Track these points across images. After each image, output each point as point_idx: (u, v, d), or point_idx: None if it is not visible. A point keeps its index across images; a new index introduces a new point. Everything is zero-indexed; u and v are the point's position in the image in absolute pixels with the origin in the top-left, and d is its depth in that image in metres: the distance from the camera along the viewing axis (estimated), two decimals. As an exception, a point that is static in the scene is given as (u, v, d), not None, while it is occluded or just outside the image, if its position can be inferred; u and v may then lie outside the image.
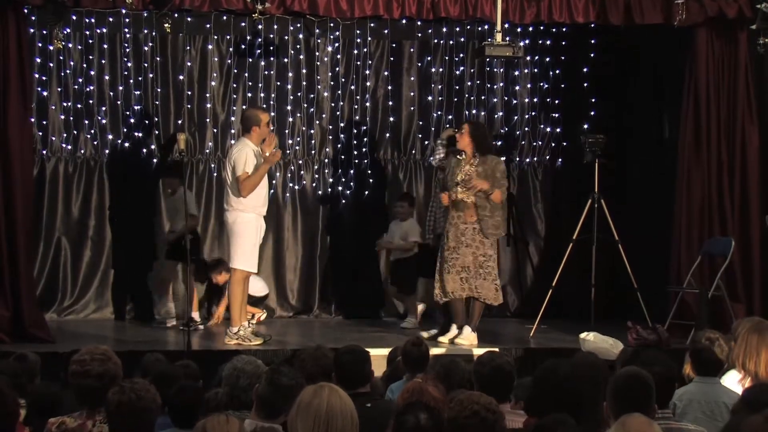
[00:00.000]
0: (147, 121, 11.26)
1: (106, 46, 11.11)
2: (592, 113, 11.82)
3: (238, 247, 9.17)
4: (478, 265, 9.27)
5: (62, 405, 5.25)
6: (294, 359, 5.81)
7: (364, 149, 11.60)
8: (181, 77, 11.29)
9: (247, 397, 4.79)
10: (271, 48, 11.35)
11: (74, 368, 4.71)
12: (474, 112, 11.74)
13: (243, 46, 11.32)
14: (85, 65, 11.07)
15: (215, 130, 11.40)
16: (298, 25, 11.32)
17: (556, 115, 11.96)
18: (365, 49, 11.52)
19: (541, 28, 11.37)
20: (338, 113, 11.53)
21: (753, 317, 6.38)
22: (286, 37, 11.37)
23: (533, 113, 11.93)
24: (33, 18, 10.36)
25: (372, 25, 11.27)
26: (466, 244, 9.27)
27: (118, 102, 11.17)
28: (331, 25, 11.27)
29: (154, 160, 11.29)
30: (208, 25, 11.17)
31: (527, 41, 11.58)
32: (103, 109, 11.15)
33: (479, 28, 11.33)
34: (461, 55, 11.73)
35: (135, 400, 4.25)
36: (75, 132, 11.12)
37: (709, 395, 5.53)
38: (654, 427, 3.74)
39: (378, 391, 6.07)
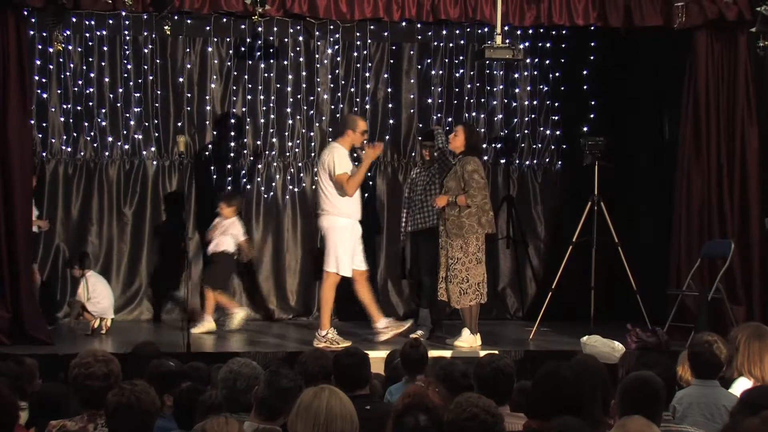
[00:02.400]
0: (146, 124, 11.27)
1: (105, 48, 11.12)
2: (592, 116, 11.83)
3: (330, 251, 9.36)
4: (446, 267, 9.35)
5: (67, 407, 5.24)
6: (294, 361, 5.80)
7: (363, 151, 11.56)
8: (180, 79, 11.30)
9: (245, 399, 4.78)
10: (271, 50, 11.36)
11: (78, 371, 4.71)
12: (474, 114, 11.74)
13: (243, 49, 11.33)
14: (84, 67, 11.08)
15: (215, 133, 11.41)
16: (298, 27, 11.33)
17: (556, 117, 11.97)
18: (365, 52, 11.52)
19: (541, 30, 11.39)
20: (338, 115, 11.53)
21: (750, 323, 6.37)
22: (286, 40, 11.38)
23: (533, 116, 11.94)
24: (33, 20, 10.36)
25: (372, 27, 11.28)
26: (441, 246, 9.42)
27: (118, 104, 11.18)
28: (331, 27, 11.28)
29: (154, 162, 11.30)
30: (207, 28, 11.18)
31: (527, 44, 11.59)
32: (103, 111, 11.16)
33: (479, 31, 11.34)
34: (461, 57, 11.74)
35: (134, 402, 4.26)
36: (75, 134, 11.13)
37: (708, 398, 5.52)
38: (653, 429, 3.75)
39: (377, 393, 6.06)
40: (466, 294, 9.32)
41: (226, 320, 10.48)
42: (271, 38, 11.35)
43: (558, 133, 11.98)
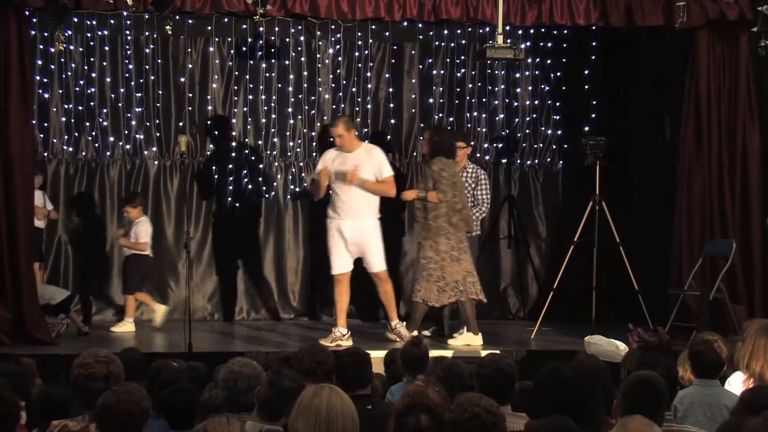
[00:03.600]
0: (148, 123, 11.27)
1: (107, 48, 11.12)
2: (593, 115, 11.83)
3: None
4: (420, 267, 9.50)
5: (69, 407, 5.24)
6: (292, 357, 5.80)
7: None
8: (182, 79, 11.29)
9: (246, 399, 4.79)
10: (272, 50, 11.36)
11: (78, 372, 4.71)
12: (475, 114, 11.75)
13: (244, 48, 11.32)
14: (86, 67, 11.08)
15: (216, 132, 11.40)
16: (299, 27, 11.33)
17: (557, 117, 11.97)
18: (366, 51, 11.52)
19: (542, 30, 11.39)
20: (339, 115, 11.52)
21: (764, 319, 6.39)
22: (287, 39, 11.37)
23: (534, 115, 11.94)
24: (34, 20, 10.34)
25: (373, 27, 11.27)
26: (417, 247, 9.64)
27: (119, 104, 11.18)
28: (332, 27, 11.27)
29: (155, 162, 11.30)
30: (209, 27, 11.18)
31: (528, 43, 11.59)
32: (104, 111, 11.16)
33: (480, 31, 11.33)
34: (462, 57, 11.73)
35: (114, 403, 4.27)
36: (76, 134, 11.13)
37: (710, 398, 5.53)
38: (654, 429, 3.74)
39: (378, 393, 6.05)
40: (444, 292, 9.41)
41: (152, 317, 10.55)
42: (273, 38, 11.35)
43: (559, 132, 11.98)
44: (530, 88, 11.96)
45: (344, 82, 11.54)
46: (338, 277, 9.62)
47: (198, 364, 6.29)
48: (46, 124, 11.05)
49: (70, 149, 11.14)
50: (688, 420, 5.34)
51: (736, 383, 5.72)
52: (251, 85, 11.38)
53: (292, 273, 11.55)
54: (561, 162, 12.01)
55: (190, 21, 10.99)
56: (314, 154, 11.53)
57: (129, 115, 11.22)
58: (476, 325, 9.53)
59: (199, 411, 4.97)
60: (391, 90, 11.68)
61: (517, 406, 5.17)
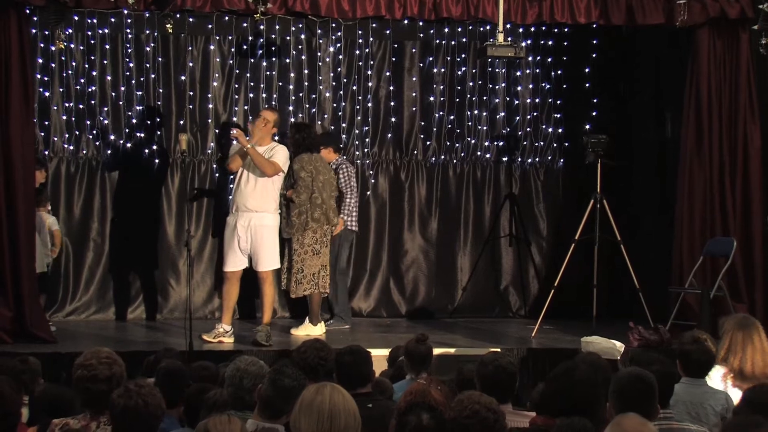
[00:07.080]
0: (149, 122, 11.26)
1: (107, 47, 11.11)
2: (594, 113, 11.83)
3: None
4: (288, 258, 10.02)
5: (70, 406, 5.24)
6: (294, 353, 5.80)
7: (365, 150, 11.60)
8: (182, 78, 11.29)
9: (251, 397, 4.79)
10: (273, 48, 11.36)
11: (81, 372, 4.67)
12: (476, 112, 11.74)
13: (245, 47, 11.32)
14: (86, 66, 11.07)
15: (217, 131, 11.41)
16: (300, 25, 11.32)
17: (558, 115, 11.97)
18: (367, 50, 11.52)
19: (543, 28, 11.39)
20: (340, 114, 11.53)
21: (739, 314, 6.44)
22: (288, 38, 11.37)
23: (535, 114, 11.94)
24: (35, 18, 10.36)
25: (374, 25, 11.28)
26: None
27: (120, 102, 11.17)
28: (333, 25, 11.27)
29: (156, 161, 11.29)
30: (209, 26, 11.18)
31: (529, 42, 11.60)
32: (105, 109, 11.15)
33: (481, 29, 11.33)
34: (463, 55, 11.73)
35: (142, 406, 4.22)
36: (77, 132, 11.13)
37: (695, 396, 5.57)
38: (648, 427, 3.73)
39: (388, 391, 6.03)
40: (301, 284, 9.82)
41: None
42: (273, 36, 11.35)
43: (560, 131, 11.98)
44: (531, 86, 11.96)
45: (345, 80, 11.55)
46: (228, 274, 9.70)
47: (208, 363, 6.29)
48: (46, 123, 11.05)
49: (71, 148, 11.14)
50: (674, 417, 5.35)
51: (716, 377, 5.76)
52: (252, 84, 11.38)
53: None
54: (562, 160, 12.01)
55: (191, 19, 10.99)
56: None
57: (130, 113, 11.22)
58: (319, 317, 9.98)
59: (204, 408, 4.98)
60: (391, 88, 11.68)
61: (537, 407, 5.14)
